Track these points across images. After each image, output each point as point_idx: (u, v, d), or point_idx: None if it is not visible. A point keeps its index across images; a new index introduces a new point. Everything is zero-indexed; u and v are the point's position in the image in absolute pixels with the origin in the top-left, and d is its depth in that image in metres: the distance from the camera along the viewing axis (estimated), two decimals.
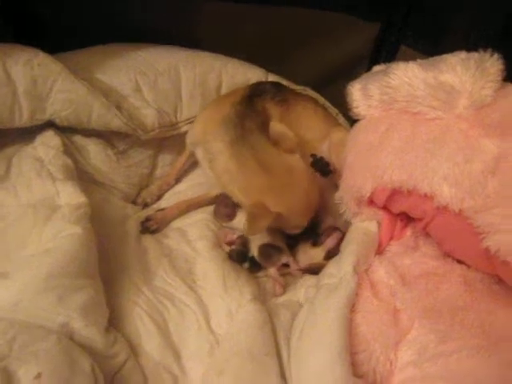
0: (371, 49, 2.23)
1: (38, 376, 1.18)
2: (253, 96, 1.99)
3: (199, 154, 2.04)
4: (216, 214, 2.13)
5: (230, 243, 2.02)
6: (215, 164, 1.86)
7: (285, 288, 1.92)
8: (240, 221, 2.06)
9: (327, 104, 2.33)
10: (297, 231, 1.90)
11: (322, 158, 1.87)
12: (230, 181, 1.82)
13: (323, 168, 1.86)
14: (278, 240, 1.98)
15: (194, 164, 2.31)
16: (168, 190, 2.26)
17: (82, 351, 1.33)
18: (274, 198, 1.73)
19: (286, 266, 1.95)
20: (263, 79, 2.29)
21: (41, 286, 1.39)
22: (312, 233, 1.98)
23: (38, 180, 1.68)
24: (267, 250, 1.94)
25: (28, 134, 1.88)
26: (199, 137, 1.98)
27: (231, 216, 2.09)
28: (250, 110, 1.92)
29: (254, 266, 1.96)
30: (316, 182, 1.85)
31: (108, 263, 1.72)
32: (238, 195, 1.81)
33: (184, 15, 2.15)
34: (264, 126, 1.88)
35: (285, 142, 1.82)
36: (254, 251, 1.96)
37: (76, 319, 1.39)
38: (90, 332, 1.40)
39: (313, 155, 1.87)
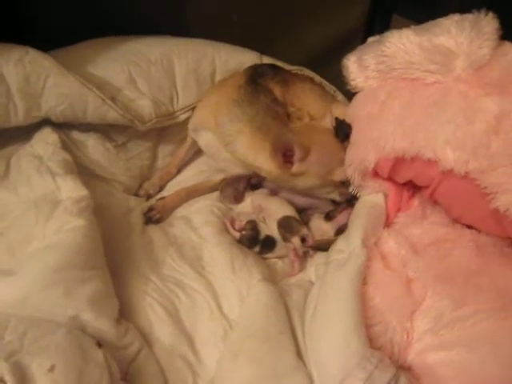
0: (364, 22, 2.21)
1: (52, 368, 1.16)
2: (255, 77, 2.00)
3: (206, 139, 2.05)
4: (223, 195, 2.12)
5: (240, 229, 2.00)
6: (236, 144, 1.87)
7: (301, 266, 1.92)
8: (247, 205, 2.07)
9: (324, 82, 2.31)
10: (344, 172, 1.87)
11: (344, 121, 1.86)
12: (257, 154, 1.84)
13: (346, 130, 1.83)
14: (295, 214, 2.00)
15: (195, 153, 2.30)
16: (170, 180, 2.25)
17: (94, 341, 1.32)
18: (302, 140, 1.77)
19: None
20: (257, 62, 2.26)
21: (47, 281, 1.37)
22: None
23: (38, 176, 1.67)
24: (288, 221, 1.94)
25: (25, 133, 1.86)
26: (207, 122, 1.98)
27: (239, 199, 2.09)
28: (260, 88, 1.94)
29: (265, 249, 1.94)
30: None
31: (114, 256, 1.70)
32: (268, 165, 1.82)
33: (172, 3, 2.13)
34: (277, 102, 1.93)
35: (295, 111, 1.92)
36: (273, 226, 1.95)
37: (85, 311, 1.37)
38: (100, 323, 1.39)
39: (336, 118, 1.88)
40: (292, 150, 1.74)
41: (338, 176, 1.86)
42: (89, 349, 1.28)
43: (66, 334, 1.28)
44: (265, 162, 1.82)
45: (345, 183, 1.87)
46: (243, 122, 1.85)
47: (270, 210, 1.99)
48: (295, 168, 1.79)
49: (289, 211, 1.99)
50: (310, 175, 1.83)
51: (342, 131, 1.83)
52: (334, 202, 2.00)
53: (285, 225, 1.93)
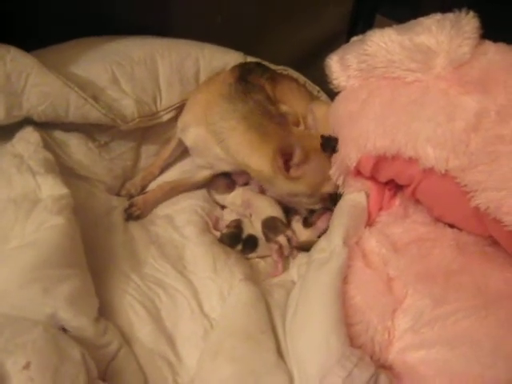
0: (348, 23, 2.22)
1: (27, 366, 1.16)
2: (244, 75, 2.00)
3: (196, 136, 2.03)
4: (215, 185, 2.15)
5: (224, 227, 2.02)
6: (228, 142, 1.88)
7: (284, 267, 1.93)
8: (237, 195, 2.09)
9: (308, 82, 2.31)
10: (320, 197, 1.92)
11: (330, 136, 1.85)
12: (251, 153, 1.84)
13: (333, 145, 1.80)
14: (281, 216, 2.01)
15: (178, 155, 2.30)
16: (152, 180, 2.23)
17: (71, 340, 1.31)
18: (302, 146, 1.77)
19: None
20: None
21: (25, 279, 1.36)
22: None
23: (18, 175, 1.64)
24: (273, 222, 1.95)
25: (7, 132, 1.83)
26: (198, 119, 1.98)
27: (231, 187, 2.13)
28: (250, 85, 1.94)
29: (247, 248, 1.95)
30: None
31: (95, 255, 1.69)
32: (260, 164, 1.82)
33: (156, 4, 2.13)
34: (270, 100, 1.93)
35: (290, 117, 1.92)
36: (258, 224, 1.97)
37: (63, 309, 1.36)
38: (79, 322, 1.38)
39: (322, 136, 1.86)
40: (291, 154, 1.75)
41: (327, 188, 1.87)
42: (66, 347, 1.27)
43: (43, 332, 1.27)
44: (257, 162, 1.82)
45: (331, 196, 1.89)
46: (235, 119, 1.85)
47: (257, 208, 2.01)
48: (291, 172, 1.79)
49: (275, 212, 2.00)
50: (303, 182, 1.84)
51: (329, 146, 1.82)
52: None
53: (269, 225, 1.94)
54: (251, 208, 2.02)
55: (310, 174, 1.83)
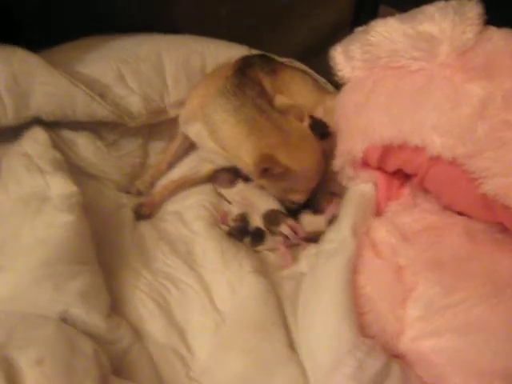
0: (352, 13, 2.22)
1: (40, 361, 1.16)
2: (244, 68, 1.99)
3: (195, 130, 2.03)
4: (218, 180, 2.13)
5: (230, 221, 2.02)
6: (219, 134, 1.87)
7: (293, 257, 1.92)
8: (240, 190, 2.08)
9: (315, 74, 2.30)
10: (301, 198, 1.91)
11: (320, 120, 1.87)
12: (238, 146, 1.83)
13: (322, 129, 1.85)
14: (280, 208, 1.99)
15: (186, 150, 2.28)
16: (161, 177, 2.22)
17: (83, 335, 1.32)
18: (287, 154, 1.75)
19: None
20: None
21: (36, 276, 1.38)
22: (311, 201, 1.99)
23: (27, 175, 1.66)
24: (272, 214, 1.95)
25: (15, 133, 1.85)
26: (196, 113, 1.98)
27: (233, 182, 2.10)
28: (246, 79, 1.93)
29: (255, 241, 1.94)
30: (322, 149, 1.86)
31: (106, 252, 1.70)
32: (246, 159, 1.81)
33: (159, 2, 2.13)
34: (263, 95, 1.91)
35: (294, 110, 1.87)
36: (258, 220, 1.96)
37: (75, 306, 1.37)
38: (91, 318, 1.39)
39: (311, 117, 1.87)
40: (274, 166, 1.73)
41: (294, 197, 1.91)
42: (78, 342, 1.28)
43: (56, 328, 1.28)
44: (244, 155, 1.81)
45: (295, 203, 1.94)
46: (228, 112, 1.84)
47: (255, 205, 2.00)
48: (269, 176, 1.78)
49: (273, 204, 1.99)
50: (276, 184, 1.86)
51: (318, 131, 1.84)
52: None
53: (269, 218, 1.93)
54: (250, 206, 2.02)
55: (285, 182, 1.83)
